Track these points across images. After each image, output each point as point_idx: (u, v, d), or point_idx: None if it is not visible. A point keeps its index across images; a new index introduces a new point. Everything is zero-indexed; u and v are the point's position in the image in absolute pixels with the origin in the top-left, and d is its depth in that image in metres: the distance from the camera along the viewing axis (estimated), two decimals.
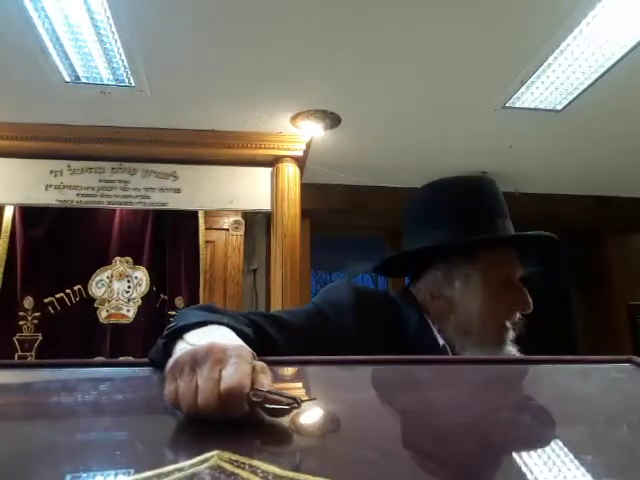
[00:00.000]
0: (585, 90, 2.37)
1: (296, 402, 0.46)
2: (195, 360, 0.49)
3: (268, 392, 0.46)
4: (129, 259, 2.81)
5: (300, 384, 0.70)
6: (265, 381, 0.48)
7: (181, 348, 0.58)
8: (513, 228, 0.97)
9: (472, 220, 0.93)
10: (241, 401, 0.45)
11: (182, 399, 0.47)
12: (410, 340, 0.91)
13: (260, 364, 0.50)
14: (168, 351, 0.60)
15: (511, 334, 0.91)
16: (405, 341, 0.91)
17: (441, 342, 0.92)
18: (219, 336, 0.61)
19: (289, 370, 0.70)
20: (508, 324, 0.91)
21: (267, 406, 0.46)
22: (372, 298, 0.96)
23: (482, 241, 0.92)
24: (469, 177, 1.02)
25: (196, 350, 0.50)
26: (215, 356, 0.48)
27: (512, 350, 0.91)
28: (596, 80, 2.28)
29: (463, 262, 0.92)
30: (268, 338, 0.80)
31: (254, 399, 0.46)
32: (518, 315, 0.93)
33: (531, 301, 0.92)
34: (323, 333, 0.87)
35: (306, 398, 0.48)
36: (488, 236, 0.92)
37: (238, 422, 0.45)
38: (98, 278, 2.77)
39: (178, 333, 0.62)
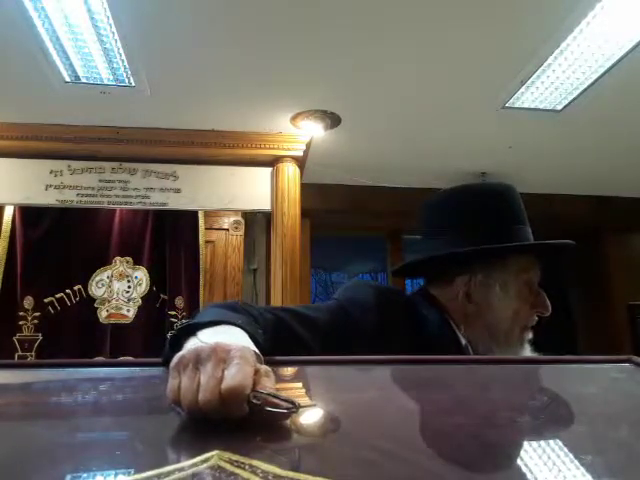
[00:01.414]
0: (585, 90, 2.37)
1: (294, 407, 0.46)
2: (199, 358, 0.49)
3: (268, 395, 0.46)
4: (129, 259, 2.81)
5: (300, 384, 0.70)
6: (268, 384, 0.48)
7: (192, 344, 0.59)
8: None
9: (506, 226, 0.95)
10: (241, 402, 0.46)
11: (184, 396, 0.47)
12: (431, 339, 0.92)
13: (264, 367, 0.51)
14: (179, 346, 0.61)
15: (529, 335, 0.95)
16: (426, 340, 0.92)
17: (463, 341, 0.93)
18: (229, 337, 0.61)
19: (290, 370, 0.70)
20: (528, 326, 0.95)
21: (266, 409, 0.46)
22: (392, 297, 0.98)
23: (527, 247, 0.95)
24: (496, 184, 1.03)
25: (201, 348, 0.50)
26: (219, 355, 0.49)
27: (529, 351, 0.95)
28: (596, 80, 2.28)
29: (501, 267, 0.94)
30: (294, 334, 0.82)
31: (254, 401, 0.46)
32: (536, 318, 0.96)
33: (549, 304, 0.96)
34: (344, 330, 0.88)
35: (306, 403, 0.48)
36: (535, 242, 0.96)
37: (238, 422, 0.45)
38: (98, 278, 2.77)
39: (191, 330, 0.63)
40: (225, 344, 0.51)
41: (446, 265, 0.98)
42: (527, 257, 0.97)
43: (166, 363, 0.62)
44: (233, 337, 0.62)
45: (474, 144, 3.00)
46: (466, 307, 0.94)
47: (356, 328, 0.88)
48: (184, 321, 0.61)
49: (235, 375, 0.47)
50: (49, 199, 2.74)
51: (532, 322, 0.96)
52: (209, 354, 0.49)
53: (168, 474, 0.35)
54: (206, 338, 0.59)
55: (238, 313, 0.73)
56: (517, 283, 0.94)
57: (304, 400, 0.55)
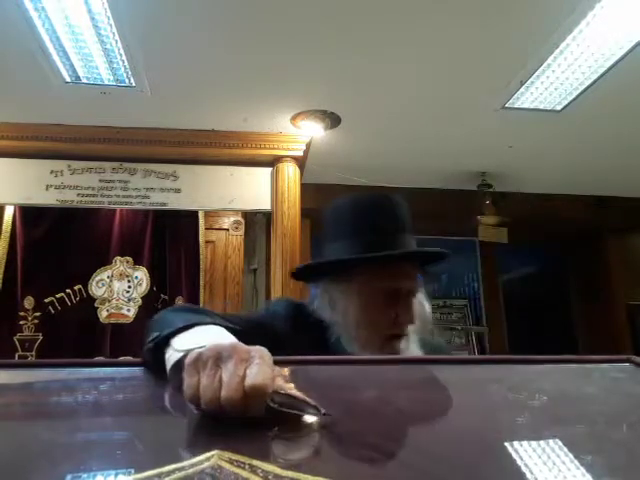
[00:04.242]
0: (585, 90, 2.37)
1: (318, 411, 0.47)
2: (219, 356, 0.50)
3: (289, 396, 0.47)
4: (129, 259, 2.81)
5: (300, 384, 0.70)
6: (283, 385, 0.49)
7: (169, 355, 0.60)
8: (415, 242, 1.00)
9: (359, 238, 0.97)
10: (263, 400, 0.46)
11: (204, 393, 0.47)
12: (331, 347, 0.96)
13: (277, 368, 0.52)
14: (159, 358, 0.62)
15: (402, 344, 0.95)
16: (328, 349, 0.95)
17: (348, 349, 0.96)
18: (213, 335, 0.63)
19: (289, 370, 0.69)
20: (394, 335, 0.95)
21: (288, 411, 0.47)
22: (305, 312, 1.02)
23: (357, 259, 0.96)
24: (366, 195, 1.05)
25: (220, 347, 0.51)
26: (240, 355, 0.50)
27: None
28: (596, 80, 2.28)
29: (349, 278, 0.97)
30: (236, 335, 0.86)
31: (276, 399, 0.47)
32: (409, 326, 0.96)
33: (412, 313, 0.95)
34: (266, 334, 0.91)
35: (324, 411, 0.48)
36: (358, 256, 0.96)
37: (243, 421, 0.45)
38: (98, 278, 2.77)
39: (164, 340, 0.63)
40: (243, 345, 0.52)
41: (314, 276, 1.05)
42: (383, 266, 0.96)
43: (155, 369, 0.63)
44: (218, 335, 0.64)
45: (474, 144, 3.00)
46: (332, 315, 0.98)
47: (274, 335, 0.92)
48: (156, 333, 0.66)
49: (258, 373, 0.47)
50: (49, 199, 2.73)
51: (398, 331, 0.95)
52: (230, 353, 0.50)
53: (168, 474, 0.36)
54: (183, 345, 0.60)
55: (201, 314, 0.75)
56: (366, 294, 0.95)
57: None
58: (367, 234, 0.97)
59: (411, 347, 0.95)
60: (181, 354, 0.58)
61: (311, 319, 0.99)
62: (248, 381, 0.47)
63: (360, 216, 0.99)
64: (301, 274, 1.10)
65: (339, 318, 0.97)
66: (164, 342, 0.63)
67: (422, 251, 0.99)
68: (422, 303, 1.00)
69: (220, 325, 0.67)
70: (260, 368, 0.48)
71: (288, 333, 0.94)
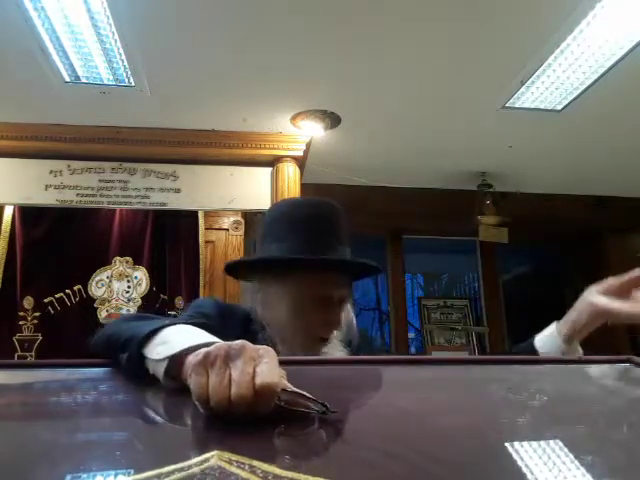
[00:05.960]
0: (585, 90, 2.37)
1: (326, 408, 0.47)
2: (228, 355, 0.50)
3: (296, 393, 0.47)
4: (129, 259, 2.81)
5: (300, 384, 0.70)
6: (287, 384, 0.49)
7: (152, 368, 0.60)
8: (350, 254, 1.04)
9: (297, 242, 0.99)
10: (273, 398, 0.47)
11: (214, 392, 0.47)
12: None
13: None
14: (139, 371, 0.62)
15: (325, 347, 1.01)
16: None
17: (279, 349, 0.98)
18: (188, 334, 0.63)
19: (288, 370, 0.69)
20: (319, 338, 1.00)
21: (295, 409, 0.47)
22: (231, 311, 1.05)
23: (292, 262, 0.99)
24: (309, 201, 1.07)
25: (228, 346, 0.51)
26: (249, 353, 0.50)
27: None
28: (596, 80, 2.28)
29: (284, 281, 1.00)
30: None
31: (282, 397, 0.47)
32: (333, 332, 1.01)
33: (339, 320, 1.01)
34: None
35: (331, 408, 0.48)
36: (294, 256, 0.98)
37: (251, 420, 0.45)
38: (98, 278, 2.77)
39: (137, 354, 0.63)
40: (251, 344, 0.52)
41: (250, 274, 1.07)
42: (317, 273, 1.00)
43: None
44: (193, 332, 0.64)
45: (474, 144, 3.00)
46: (263, 315, 1.01)
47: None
48: (125, 354, 0.70)
49: (268, 372, 0.48)
50: (49, 199, 2.73)
51: (324, 335, 1.00)
52: (239, 351, 0.50)
53: (168, 474, 0.35)
54: (157, 353, 0.59)
55: (153, 319, 0.75)
56: (299, 298, 0.99)
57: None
58: (304, 238, 0.99)
59: (330, 352, 1.01)
60: (165, 362, 0.57)
61: (236, 319, 1.02)
62: (259, 379, 0.47)
63: (299, 220, 1.01)
64: (234, 270, 1.13)
65: (269, 317, 1.00)
66: (137, 356, 0.62)
67: (358, 262, 1.05)
68: (349, 311, 1.06)
69: (180, 323, 0.67)
70: (269, 366, 0.49)
71: (218, 333, 0.96)
